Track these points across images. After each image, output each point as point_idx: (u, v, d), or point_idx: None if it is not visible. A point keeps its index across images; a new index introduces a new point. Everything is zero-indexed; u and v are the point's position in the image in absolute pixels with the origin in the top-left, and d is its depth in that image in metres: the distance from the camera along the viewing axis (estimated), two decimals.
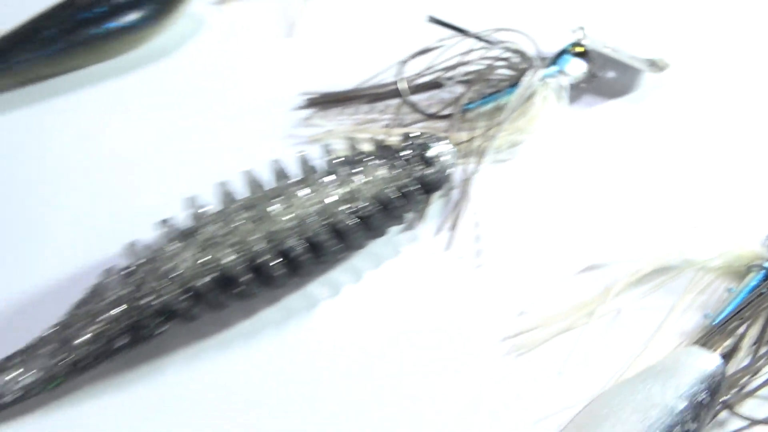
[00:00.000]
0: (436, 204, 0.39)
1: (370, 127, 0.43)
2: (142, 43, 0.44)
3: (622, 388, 0.30)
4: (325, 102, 0.44)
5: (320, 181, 0.34)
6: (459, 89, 0.44)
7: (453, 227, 0.39)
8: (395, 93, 0.44)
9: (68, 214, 0.38)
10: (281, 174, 0.34)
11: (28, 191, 0.39)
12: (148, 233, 0.33)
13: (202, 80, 0.45)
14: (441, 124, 0.42)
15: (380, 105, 0.44)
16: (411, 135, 0.37)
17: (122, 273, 0.31)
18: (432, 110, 0.43)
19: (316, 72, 0.46)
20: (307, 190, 0.33)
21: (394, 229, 0.37)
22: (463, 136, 0.42)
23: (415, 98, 0.43)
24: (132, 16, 0.43)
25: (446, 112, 0.43)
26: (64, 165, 0.41)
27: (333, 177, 0.34)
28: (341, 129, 0.43)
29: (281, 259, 0.32)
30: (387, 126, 0.43)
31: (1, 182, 0.39)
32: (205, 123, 0.43)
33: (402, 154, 0.36)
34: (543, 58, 0.43)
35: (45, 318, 0.32)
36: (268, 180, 0.34)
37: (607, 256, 0.37)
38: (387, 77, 0.45)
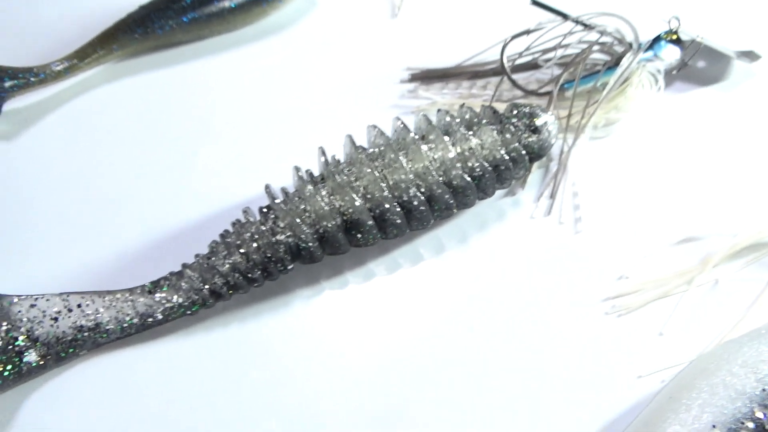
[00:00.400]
0: (535, 173, 0.42)
1: (471, 101, 0.46)
2: (263, 17, 0.48)
3: (727, 346, 0.31)
4: (429, 77, 0.47)
5: (439, 139, 0.36)
6: (557, 70, 0.46)
7: (553, 195, 0.41)
8: (495, 71, 0.47)
9: (211, 160, 0.42)
10: (403, 130, 0.37)
11: (173, 140, 0.43)
12: (283, 179, 0.37)
13: (315, 53, 0.48)
14: (539, 101, 0.45)
15: (480, 81, 0.47)
16: (519, 104, 0.39)
17: (261, 211, 0.35)
18: (530, 88, 0.45)
19: (419, 49, 0.48)
20: (427, 147, 0.36)
21: (497, 193, 0.40)
22: (562, 112, 0.44)
23: (514, 76, 0.45)
24: None
25: (545, 90, 0.45)
26: (202, 120, 0.44)
27: (449, 137, 0.36)
28: (444, 101, 0.46)
29: (400, 209, 0.35)
30: (486, 101, 0.46)
31: (148, 132, 0.43)
32: (318, 91, 0.46)
33: (512, 120, 0.38)
34: (639, 44, 0.45)
35: (191, 248, 0.35)
36: (390, 136, 0.37)
37: (703, 230, 0.39)
38: (487, 56, 0.47)
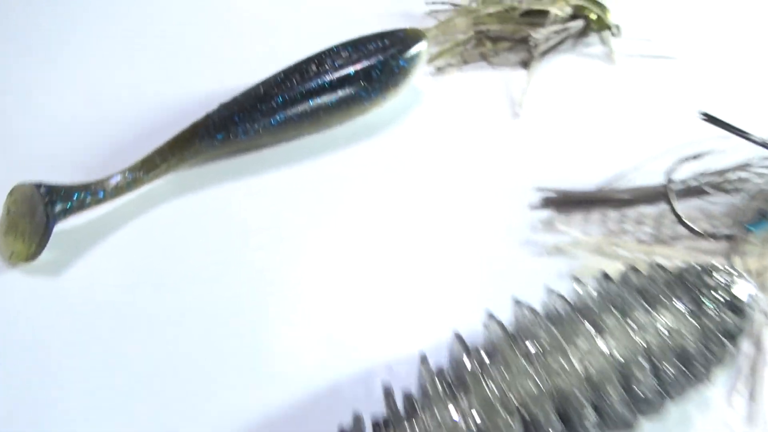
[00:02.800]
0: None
1: (624, 240, 0.36)
2: (360, 115, 0.40)
3: None
4: (566, 202, 0.38)
5: (618, 328, 0.27)
6: (734, 201, 0.37)
7: (753, 395, 0.31)
8: (653, 197, 0.38)
9: (295, 294, 0.32)
10: (571, 321, 0.27)
11: (258, 266, 0.34)
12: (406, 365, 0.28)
13: (420, 159, 0.39)
14: (715, 246, 0.35)
15: (632, 212, 0.38)
16: (712, 268, 0.29)
17: (376, 427, 0.25)
18: (699, 225, 0.36)
19: (549, 161, 0.39)
20: (602, 340, 0.26)
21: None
22: (750, 265, 0.34)
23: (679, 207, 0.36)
24: (358, 90, 0.38)
25: (725, 231, 0.35)
26: (290, 237, 0.36)
27: (626, 320, 0.26)
28: (589, 240, 0.36)
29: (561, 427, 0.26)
30: (645, 242, 0.36)
31: (226, 256, 0.35)
32: (424, 210, 0.37)
33: (708, 293, 0.29)
34: None
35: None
36: (537, 317, 0.27)
37: None
38: (639, 177, 0.38)
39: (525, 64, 0.46)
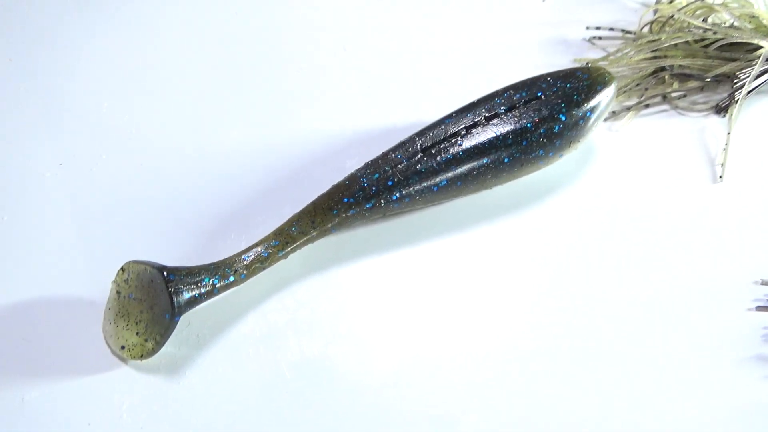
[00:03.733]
0: None
1: None
2: (528, 174, 0.32)
3: None
4: None
5: None
6: None
7: None
8: None
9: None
10: None
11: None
12: None
13: (595, 234, 0.32)
14: None
15: None
16: None
17: None
18: None
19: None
20: None
21: None
22: None
23: None
24: (536, 146, 0.30)
25: None
26: (438, 316, 0.28)
27: None
28: None
29: None
30: None
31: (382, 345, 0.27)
32: (608, 303, 0.29)
33: None
34: None
35: None
36: None
37: None
38: None
39: (719, 110, 0.38)
